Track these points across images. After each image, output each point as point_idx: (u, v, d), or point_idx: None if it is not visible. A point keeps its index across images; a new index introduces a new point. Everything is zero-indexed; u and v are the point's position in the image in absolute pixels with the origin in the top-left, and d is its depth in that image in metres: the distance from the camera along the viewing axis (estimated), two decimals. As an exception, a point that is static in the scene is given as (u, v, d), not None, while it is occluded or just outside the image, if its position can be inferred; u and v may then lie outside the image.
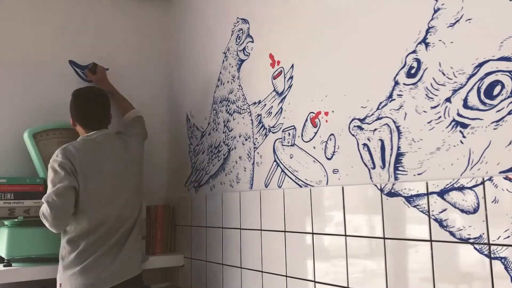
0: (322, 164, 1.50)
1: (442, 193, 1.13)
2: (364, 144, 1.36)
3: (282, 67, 1.71)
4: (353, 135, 1.40)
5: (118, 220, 1.84)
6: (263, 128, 1.79)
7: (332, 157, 1.46)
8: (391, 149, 1.27)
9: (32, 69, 2.19)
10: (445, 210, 1.12)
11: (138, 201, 1.96)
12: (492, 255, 1.02)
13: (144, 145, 2.10)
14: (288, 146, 1.65)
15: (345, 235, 1.38)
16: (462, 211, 1.08)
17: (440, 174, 1.14)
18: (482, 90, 1.07)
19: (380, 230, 1.28)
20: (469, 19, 1.11)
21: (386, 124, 1.29)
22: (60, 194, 1.69)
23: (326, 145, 1.49)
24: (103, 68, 2.31)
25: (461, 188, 1.09)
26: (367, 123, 1.35)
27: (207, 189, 2.16)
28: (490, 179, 1.03)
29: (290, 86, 1.66)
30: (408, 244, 1.21)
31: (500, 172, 1.02)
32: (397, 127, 1.26)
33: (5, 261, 1.83)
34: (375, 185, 1.30)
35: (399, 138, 1.26)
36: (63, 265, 1.76)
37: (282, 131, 1.68)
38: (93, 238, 1.77)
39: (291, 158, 1.63)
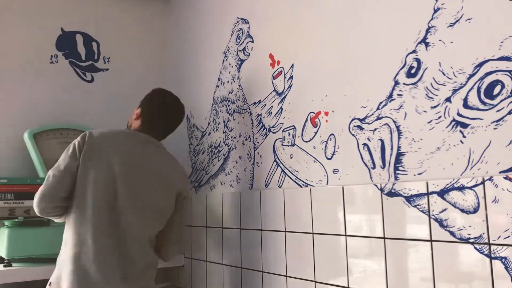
0: (322, 164, 1.50)
1: (442, 193, 1.13)
2: (364, 144, 1.36)
3: (282, 67, 1.71)
4: (353, 135, 1.39)
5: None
6: (263, 128, 1.79)
7: (332, 157, 1.46)
8: (391, 149, 1.27)
9: (32, 69, 2.19)
10: (445, 210, 1.12)
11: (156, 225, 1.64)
12: (492, 255, 1.02)
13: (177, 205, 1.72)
14: (288, 146, 1.65)
15: (345, 235, 1.38)
16: (462, 211, 1.08)
17: (440, 174, 1.14)
18: (482, 90, 1.07)
19: (380, 230, 1.28)
20: (469, 19, 1.11)
21: (386, 124, 1.29)
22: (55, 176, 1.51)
23: (326, 145, 1.49)
24: None
25: (461, 188, 1.09)
26: (367, 123, 1.35)
27: (207, 189, 2.16)
28: (490, 179, 1.03)
29: (290, 86, 1.66)
30: (408, 244, 1.20)
31: (500, 172, 1.02)
32: (397, 127, 1.26)
33: (5, 261, 1.83)
34: (375, 185, 1.30)
35: (399, 138, 1.25)
36: None
37: (282, 131, 1.68)
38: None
39: (291, 158, 1.63)
